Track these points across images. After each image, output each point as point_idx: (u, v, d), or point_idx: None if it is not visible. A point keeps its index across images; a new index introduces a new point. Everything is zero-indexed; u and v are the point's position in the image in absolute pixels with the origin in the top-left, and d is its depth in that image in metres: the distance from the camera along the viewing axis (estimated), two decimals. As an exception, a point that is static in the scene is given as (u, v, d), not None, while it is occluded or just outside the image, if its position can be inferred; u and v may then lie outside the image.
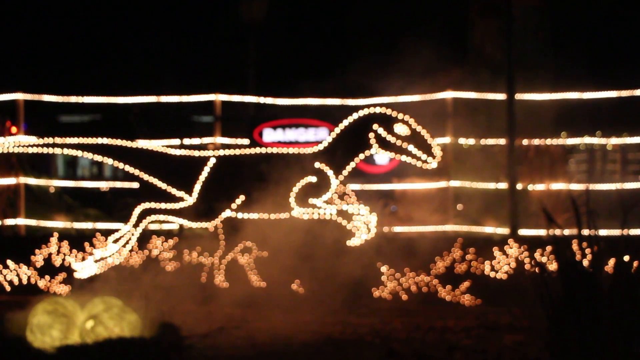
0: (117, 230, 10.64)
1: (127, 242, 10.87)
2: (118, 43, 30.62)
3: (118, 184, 15.78)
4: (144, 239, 11.39)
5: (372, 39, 17.01)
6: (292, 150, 10.92)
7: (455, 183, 13.66)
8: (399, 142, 10.34)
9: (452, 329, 9.27)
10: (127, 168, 10.82)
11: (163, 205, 10.66)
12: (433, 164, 10.32)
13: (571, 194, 9.57)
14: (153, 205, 10.79)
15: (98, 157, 10.86)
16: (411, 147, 10.34)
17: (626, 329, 5.08)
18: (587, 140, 15.15)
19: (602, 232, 6.15)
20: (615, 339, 5.12)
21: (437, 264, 11.02)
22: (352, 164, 10.65)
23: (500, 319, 9.65)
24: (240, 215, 10.78)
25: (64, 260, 11.65)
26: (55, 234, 11.86)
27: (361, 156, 10.56)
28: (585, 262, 5.58)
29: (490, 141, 14.29)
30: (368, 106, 10.54)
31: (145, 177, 10.99)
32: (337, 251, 10.93)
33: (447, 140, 13.44)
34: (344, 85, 14.46)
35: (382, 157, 13.55)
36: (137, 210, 10.75)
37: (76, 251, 11.60)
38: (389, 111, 10.54)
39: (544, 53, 16.20)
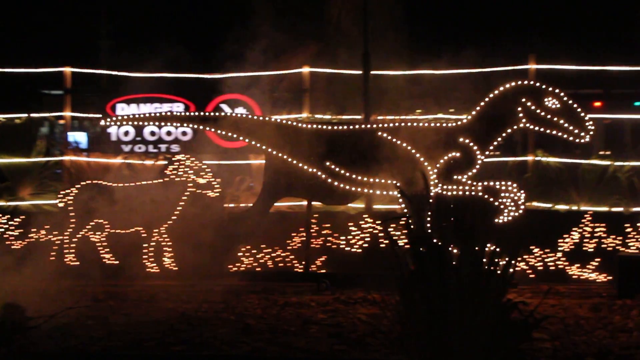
0: None
1: None
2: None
3: None
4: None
5: (229, 14, 16.80)
6: (435, 124, 10.34)
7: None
8: (549, 116, 9.96)
9: (307, 304, 9.31)
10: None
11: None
12: (587, 138, 9.89)
13: (422, 171, 9.69)
14: None
15: None
16: (563, 122, 9.95)
17: (472, 300, 5.21)
18: (442, 116, 15.47)
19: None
20: (462, 310, 5.24)
21: (293, 239, 11.02)
22: (499, 139, 10.14)
23: (355, 293, 9.77)
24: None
25: None
26: None
27: (509, 131, 10.06)
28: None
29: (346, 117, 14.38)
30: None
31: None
32: (194, 227, 10.79)
33: (304, 115, 13.44)
34: (200, 60, 14.22)
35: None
36: None
37: None
38: (538, 84, 10.10)
39: (400, 30, 16.41)
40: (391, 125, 10.51)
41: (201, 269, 10.66)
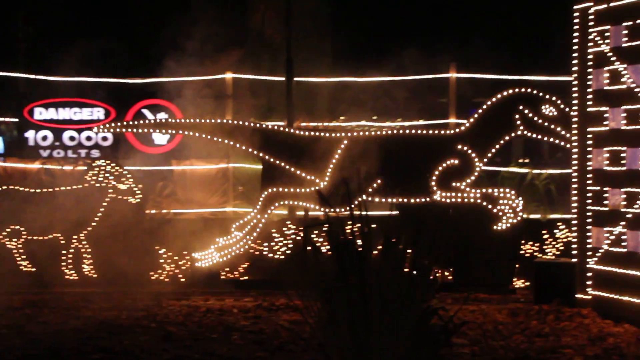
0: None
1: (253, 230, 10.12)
2: None
3: None
4: None
5: (153, 19, 16.64)
6: (433, 132, 10.33)
7: (234, 165, 13.63)
8: (546, 124, 9.94)
9: (230, 311, 9.26)
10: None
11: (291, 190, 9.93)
12: None
13: (344, 177, 9.74)
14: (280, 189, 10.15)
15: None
16: (560, 129, 9.95)
17: (393, 306, 5.24)
18: (366, 123, 15.58)
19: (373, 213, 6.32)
20: (384, 316, 5.27)
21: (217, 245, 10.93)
22: (497, 147, 10.14)
23: (278, 300, 9.75)
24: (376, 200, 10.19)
25: None
26: None
27: (506, 138, 10.05)
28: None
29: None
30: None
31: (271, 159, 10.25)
32: (114, 234, 10.64)
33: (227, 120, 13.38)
34: (122, 65, 14.05)
35: (161, 137, 13.27)
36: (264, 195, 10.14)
37: None
38: (535, 91, 10.07)
39: (323, 37, 16.49)
40: (392, 132, 10.63)
41: (122, 276, 10.52)
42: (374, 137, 10.52)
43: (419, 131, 10.57)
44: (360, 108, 14.20)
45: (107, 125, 11.09)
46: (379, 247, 5.59)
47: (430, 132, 10.47)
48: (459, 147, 10.23)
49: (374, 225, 5.80)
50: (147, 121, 10.73)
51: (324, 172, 10.34)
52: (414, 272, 5.54)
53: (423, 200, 10.22)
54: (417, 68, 13.58)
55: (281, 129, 10.82)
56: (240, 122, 10.72)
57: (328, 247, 5.90)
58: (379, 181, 10.25)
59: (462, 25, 18.92)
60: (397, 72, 13.64)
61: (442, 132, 10.46)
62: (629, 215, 8.60)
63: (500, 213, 10.09)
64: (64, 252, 10.78)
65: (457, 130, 10.42)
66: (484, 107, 10.32)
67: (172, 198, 12.61)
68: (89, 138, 13.26)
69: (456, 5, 19.86)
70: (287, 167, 10.39)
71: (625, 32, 8.67)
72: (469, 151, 10.25)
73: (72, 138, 13.26)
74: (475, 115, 10.33)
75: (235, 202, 13.53)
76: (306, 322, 5.77)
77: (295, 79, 12.91)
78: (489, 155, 10.31)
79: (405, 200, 10.25)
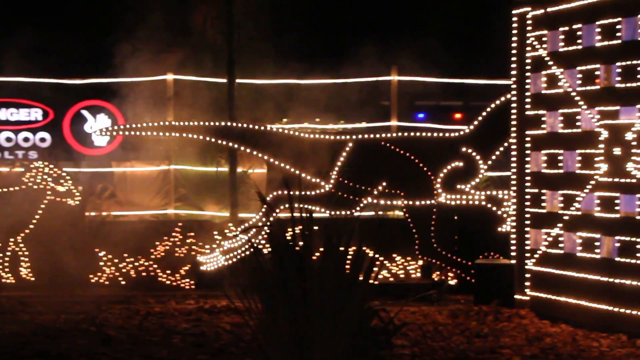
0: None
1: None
2: None
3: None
4: None
5: (93, 20, 16.44)
6: (437, 134, 10.35)
7: (176, 167, 13.54)
8: None
9: (171, 314, 9.19)
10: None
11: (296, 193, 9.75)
12: None
13: (286, 179, 9.76)
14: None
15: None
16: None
17: (334, 307, 5.24)
18: (307, 125, 15.58)
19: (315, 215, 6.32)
20: (324, 317, 5.27)
21: (157, 248, 10.86)
22: (501, 149, 10.14)
23: (219, 302, 9.71)
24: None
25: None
26: None
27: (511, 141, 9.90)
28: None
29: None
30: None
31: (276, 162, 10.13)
32: (55, 236, 10.49)
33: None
34: (61, 65, 13.85)
35: (101, 139, 13.12)
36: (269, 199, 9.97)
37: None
38: None
39: (266, 39, 16.46)
40: (396, 135, 10.68)
41: (60, 279, 10.37)
42: (379, 140, 10.59)
43: (424, 133, 10.70)
44: (305, 110, 14.21)
45: (109, 129, 11.04)
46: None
47: (435, 134, 10.59)
48: (464, 149, 10.40)
49: (316, 228, 5.80)
50: (149, 124, 10.60)
51: (329, 175, 10.38)
52: (355, 273, 5.54)
53: (429, 202, 10.32)
54: (360, 71, 13.64)
55: (286, 131, 10.82)
56: (246, 125, 10.70)
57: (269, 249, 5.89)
58: (384, 183, 10.35)
59: (404, 28, 19.05)
60: (340, 75, 13.68)
61: (447, 134, 10.57)
62: (566, 217, 8.75)
63: (505, 215, 10.16)
64: (0, 255, 10.58)
65: (462, 132, 10.51)
66: (488, 109, 10.44)
67: (112, 200, 12.47)
68: (26, 139, 13.05)
69: (399, 8, 20.00)
70: (292, 169, 10.42)
71: (562, 37, 8.82)
72: (473, 154, 10.41)
73: (8, 139, 13.03)
74: (480, 118, 10.47)
75: (177, 204, 13.45)
76: (247, 324, 5.74)
77: (238, 80, 12.87)
78: (494, 157, 10.44)
79: (411, 202, 10.31)
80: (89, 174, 12.67)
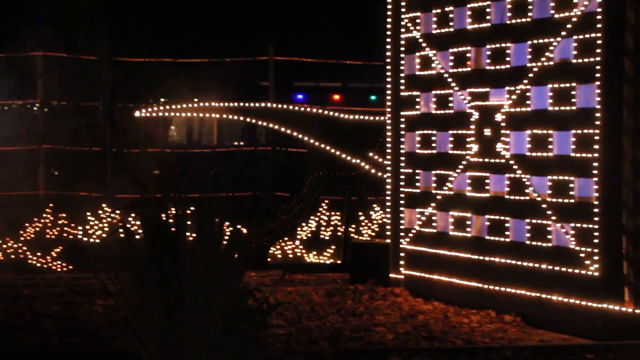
0: None
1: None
2: None
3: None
4: None
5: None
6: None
7: (47, 146, 13.12)
8: None
9: (41, 297, 8.92)
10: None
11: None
12: None
13: (161, 158, 9.62)
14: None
15: None
16: None
17: (207, 287, 5.19)
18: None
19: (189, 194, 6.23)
20: (197, 297, 5.21)
21: (26, 229, 10.53)
22: None
23: (92, 284, 9.48)
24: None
25: None
26: None
27: None
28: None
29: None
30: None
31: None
32: None
33: (37, 101, 12.88)
34: None
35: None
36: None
37: None
38: None
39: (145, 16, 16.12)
40: None
41: None
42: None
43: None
44: (182, 89, 14.01)
45: (148, 109, 10.74)
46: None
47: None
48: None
49: (192, 208, 5.73)
50: (189, 105, 10.38)
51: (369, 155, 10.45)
52: (231, 252, 5.50)
53: None
54: (237, 50, 13.54)
55: (326, 112, 10.70)
56: (286, 106, 10.52)
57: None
58: None
59: (284, 7, 19.02)
60: (218, 54, 13.54)
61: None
62: (439, 197, 8.93)
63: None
64: None
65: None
66: None
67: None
68: None
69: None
70: (332, 150, 10.38)
71: (435, 19, 8.96)
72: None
73: None
74: None
75: (48, 185, 13.05)
76: (120, 306, 5.63)
77: (118, 58, 12.58)
78: None
79: None
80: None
